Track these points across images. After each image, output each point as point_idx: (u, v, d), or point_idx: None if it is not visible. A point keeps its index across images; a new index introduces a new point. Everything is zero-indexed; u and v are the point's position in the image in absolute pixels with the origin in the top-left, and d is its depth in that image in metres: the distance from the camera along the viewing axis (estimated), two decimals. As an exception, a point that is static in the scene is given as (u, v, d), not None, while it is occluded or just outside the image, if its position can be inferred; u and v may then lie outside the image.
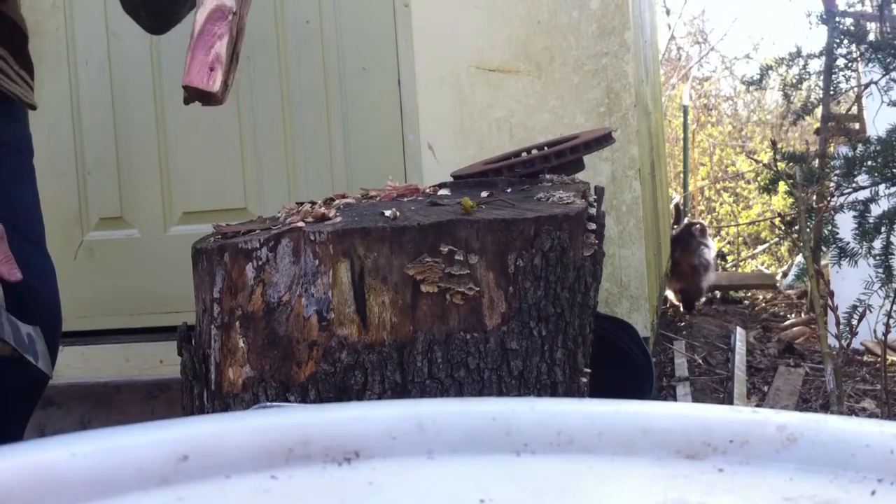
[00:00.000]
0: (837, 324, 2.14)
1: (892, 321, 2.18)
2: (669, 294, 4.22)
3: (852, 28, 3.15)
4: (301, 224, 1.36)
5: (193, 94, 1.00)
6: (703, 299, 4.30)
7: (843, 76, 3.26)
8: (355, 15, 2.71)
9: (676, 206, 5.10)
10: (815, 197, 2.74)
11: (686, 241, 4.10)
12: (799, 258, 4.73)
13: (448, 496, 0.66)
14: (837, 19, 3.22)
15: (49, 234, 2.89)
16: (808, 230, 2.40)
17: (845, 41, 3.15)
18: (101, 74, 2.88)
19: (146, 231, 2.90)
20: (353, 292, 1.31)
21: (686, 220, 4.35)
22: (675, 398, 2.78)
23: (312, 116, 2.77)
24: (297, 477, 0.67)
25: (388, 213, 1.37)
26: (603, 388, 1.51)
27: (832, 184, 2.63)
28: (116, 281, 2.89)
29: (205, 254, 1.41)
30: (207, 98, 1.02)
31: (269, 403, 1.30)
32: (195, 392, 1.46)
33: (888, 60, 2.73)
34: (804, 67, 3.22)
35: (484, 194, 1.58)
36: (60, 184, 2.90)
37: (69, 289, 2.87)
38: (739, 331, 3.54)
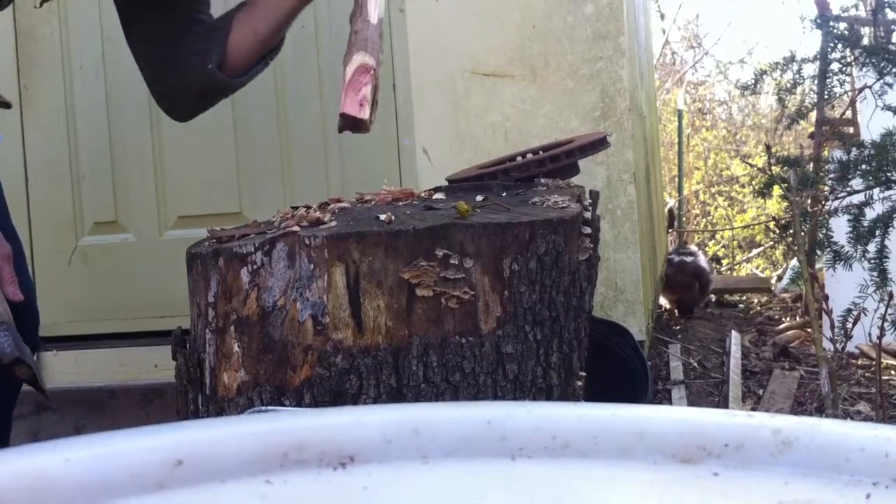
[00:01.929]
0: (832, 327, 2.15)
1: (886, 324, 2.18)
2: (664, 302, 4.22)
3: (846, 32, 3.16)
4: (296, 228, 1.36)
5: (347, 122, 1.24)
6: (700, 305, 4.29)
7: (838, 80, 3.27)
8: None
9: (670, 210, 5.09)
10: (809, 201, 2.74)
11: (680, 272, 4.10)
12: (794, 262, 4.74)
13: (443, 501, 0.66)
14: (831, 24, 3.22)
15: (43, 239, 2.90)
16: (802, 234, 2.41)
17: (839, 45, 3.16)
18: (96, 79, 2.88)
19: (141, 235, 2.90)
20: (349, 296, 1.31)
21: (680, 254, 4.31)
22: (670, 401, 2.78)
23: (307, 121, 2.77)
24: (292, 482, 0.67)
25: (383, 217, 1.37)
26: (598, 391, 1.51)
27: (827, 188, 2.64)
28: (111, 285, 2.88)
29: (200, 258, 1.41)
30: (357, 125, 1.26)
31: (264, 408, 1.30)
32: (190, 397, 1.45)
33: (882, 65, 2.74)
34: (798, 72, 3.23)
35: (479, 198, 1.58)
36: (55, 188, 2.89)
37: (64, 293, 2.88)
38: (734, 334, 3.54)
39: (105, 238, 2.90)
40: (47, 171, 2.90)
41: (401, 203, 1.60)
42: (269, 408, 1.26)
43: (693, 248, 4.75)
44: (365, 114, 1.25)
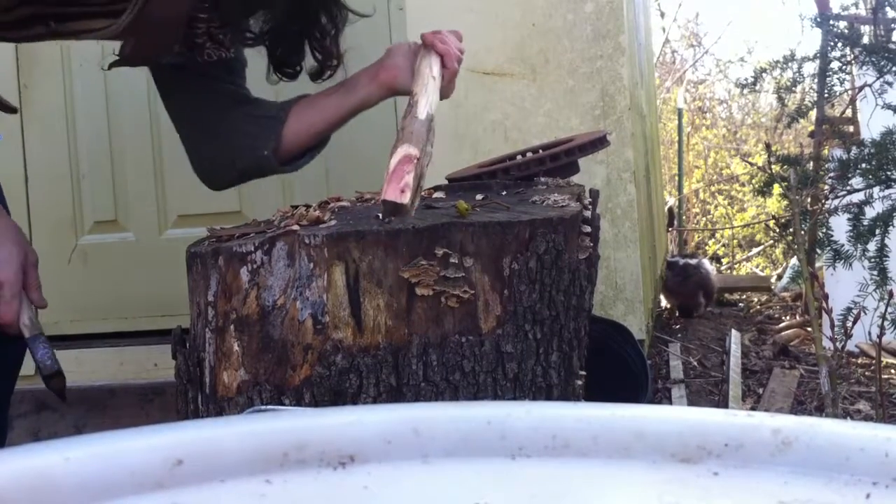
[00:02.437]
0: (832, 326, 2.15)
1: (886, 323, 2.18)
2: (665, 302, 4.22)
3: (846, 31, 3.16)
4: (296, 227, 1.36)
5: (388, 208, 1.25)
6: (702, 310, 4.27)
7: (838, 79, 3.27)
8: (349, 18, 2.70)
9: (670, 209, 5.08)
10: (809, 199, 2.75)
11: (682, 278, 4.09)
12: (794, 261, 4.74)
13: (443, 500, 0.66)
14: (831, 22, 3.22)
15: (43, 238, 2.90)
16: (802, 233, 2.41)
17: (839, 44, 3.16)
18: (96, 77, 2.88)
19: (141, 234, 2.89)
20: (348, 295, 1.31)
21: (677, 258, 4.29)
22: (670, 400, 2.78)
23: (307, 119, 2.77)
24: (291, 482, 0.67)
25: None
26: (598, 391, 1.51)
27: (826, 186, 2.64)
28: (111, 284, 2.88)
29: (199, 257, 1.41)
30: (399, 210, 1.25)
31: (263, 407, 1.30)
32: (190, 396, 1.46)
33: (882, 63, 2.74)
34: (798, 70, 3.22)
35: (479, 197, 1.58)
36: (55, 187, 2.89)
37: (63, 293, 2.87)
38: (734, 333, 3.54)
39: (105, 237, 2.90)
40: (47, 170, 2.90)
41: (401, 202, 1.60)
42: (269, 407, 1.26)
43: (694, 252, 4.73)
44: (405, 199, 1.25)
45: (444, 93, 1.65)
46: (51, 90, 2.89)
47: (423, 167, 1.30)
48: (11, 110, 1.80)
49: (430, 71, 1.57)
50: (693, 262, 4.16)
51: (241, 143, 1.74)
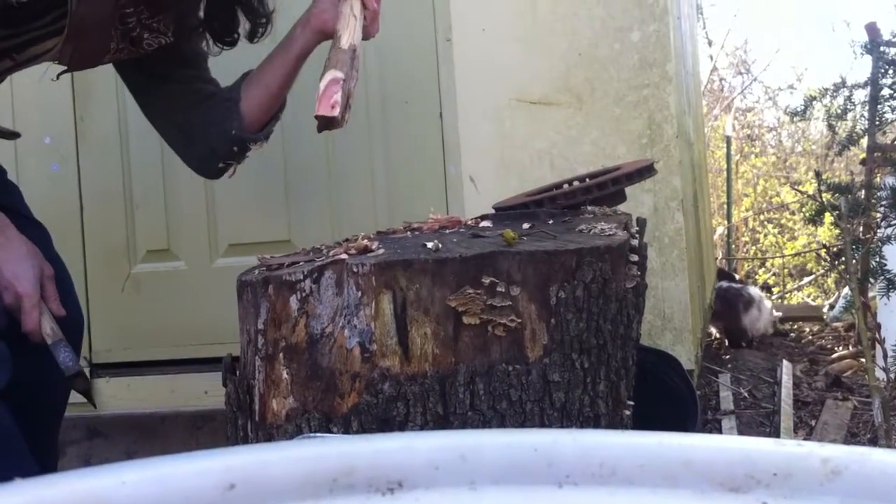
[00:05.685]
0: (885, 356, 2.11)
1: (941, 354, 2.14)
2: (714, 330, 4.17)
3: (897, 58, 3.12)
4: (344, 256, 1.38)
5: (322, 123, 1.48)
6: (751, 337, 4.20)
7: (889, 106, 3.23)
8: (398, 49, 2.74)
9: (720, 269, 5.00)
10: (861, 228, 2.71)
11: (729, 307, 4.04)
12: (846, 290, 4.66)
13: (490, 527, 0.66)
14: (882, 49, 3.19)
15: (97, 266, 2.95)
16: (854, 262, 2.37)
17: (890, 71, 3.12)
18: (150, 109, 2.93)
19: (192, 263, 2.94)
20: (396, 324, 1.32)
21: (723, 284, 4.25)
22: (720, 432, 2.75)
23: (355, 149, 2.80)
24: (340, 507, 0.67)
25: (430, 244, 1.38)
26: (647, 421, 1.50)
27: (879, 215, 2.60)
28: (162, 312, 2.92)
29: (249, 286, 1.43)
30: (331, 123, 1.48)
31: (312, 434, 1.31)
32: (239, 423, 1.47)
33: (934, 90, 2.70)
34: (849, 98, 3.19)
35: (525, 226, 1.58)
36: (109, 216, 2.94)
37: (116, 320, 2.92)
38: (786, 364, 3.49)
39: (157, 265, 2.95)
40: (101, 199, 2.95)
41: (448, 231, 1.61)
42: (318, 435, 1.27)
43: (742, 279, 4.67)
44: (336, 112, 1.45)
45: (367, 32, 1.75)
46: (105, 121, 2.96)
47: (350, 88, 1.50)
48: (12, 136, 1.94)
49: (352, 10, 1.71)
50: (736, 286, 4.12)
51: (211, 133, 1.92)
